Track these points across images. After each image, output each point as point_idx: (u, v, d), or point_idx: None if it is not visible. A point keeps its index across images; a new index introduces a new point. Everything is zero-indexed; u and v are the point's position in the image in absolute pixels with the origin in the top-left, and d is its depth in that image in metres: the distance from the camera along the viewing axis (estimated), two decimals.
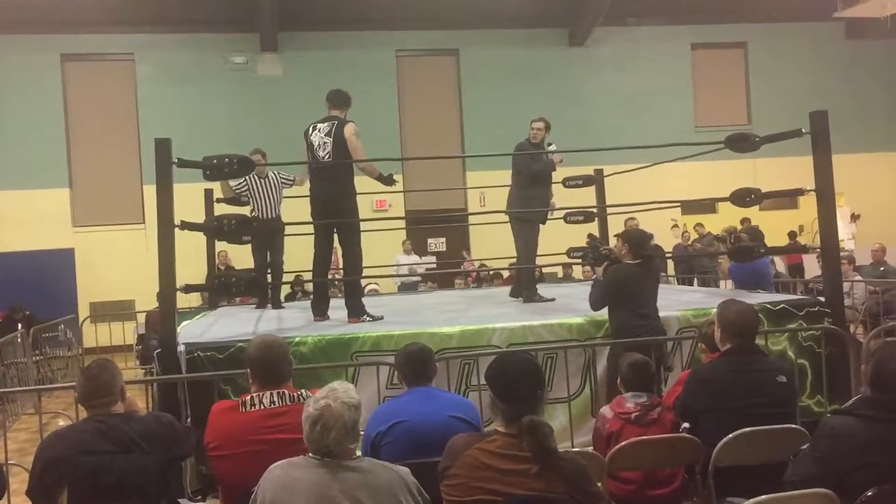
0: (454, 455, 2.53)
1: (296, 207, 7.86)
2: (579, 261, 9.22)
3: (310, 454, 2.53)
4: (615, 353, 5.03)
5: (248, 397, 3.16)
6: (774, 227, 16.26)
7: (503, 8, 15.91)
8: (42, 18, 14.52)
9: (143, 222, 14.51)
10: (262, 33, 15.27)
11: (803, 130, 5.73)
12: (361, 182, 10.20)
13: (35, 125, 14.75)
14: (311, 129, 6.26)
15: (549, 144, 7.29)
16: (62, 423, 6.74)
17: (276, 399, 3.13)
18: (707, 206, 14.91)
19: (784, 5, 16.73)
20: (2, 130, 14.61)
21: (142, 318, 11.82)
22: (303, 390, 3.18)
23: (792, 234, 15.72)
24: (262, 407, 3.12)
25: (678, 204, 13.73)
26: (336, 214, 6.09)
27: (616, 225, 10.05)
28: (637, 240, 5.38)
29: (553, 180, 7.52)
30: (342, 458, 2.50)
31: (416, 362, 3.58)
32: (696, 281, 12.48)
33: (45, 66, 14.91)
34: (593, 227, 9.55)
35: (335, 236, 6.30)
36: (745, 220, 14.62)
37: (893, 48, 17.56)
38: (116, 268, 14.33)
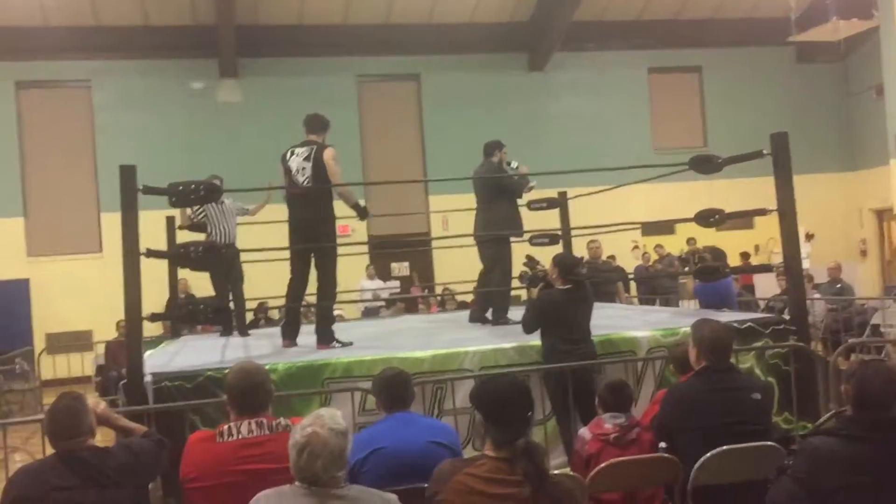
0: (442, 481, 2.51)
1: (257, 233, 7.82)
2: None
3: (297, 483, 2.49)
4: (547, 376, 5.04)
5: (226, 427, 3.09)
6: (730, 246, 16.58)
7: (464, 33, 16.07)
8: None
9: (101, 251, 14.27)
10: (221, 59, 15.19)
11: (764, 151, 5.84)
12: None
13: None
14: (288, 153, 6.16)
15: (509, 164, 7.31)
16: (18, 458, 6.56)
17: (254, 428, 3.06)
18: (665, 227, 15.11)
19: (738, 30, 17.15)
20: None
21: (101, 348, 11.60)
22: (281, 419, 3.12)
23: (744, 255, 15.97)
24: (240, 437, 3.05)
25: (639, 225, 13.91)
26: (314, 240, 6.02)
27: (580, 247, 10.15)
28: (567, 265, 5.38)
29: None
30: (330, 486, 2.46)
31: (394, 388, 3.55)
32: (657, 301, 12.61)
33: (0, 94, 14.64)
34: (558, 250, 9.67)
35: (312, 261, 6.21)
36: (690, 240, 14.83)
37: (841, 71, 18.09)
38: (73, 298, 14.03)
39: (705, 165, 6.22)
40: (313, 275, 6.24)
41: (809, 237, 17.19)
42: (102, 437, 3.46)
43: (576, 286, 5.30)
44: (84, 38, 14.47)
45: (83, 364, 11.93)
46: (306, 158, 6.02)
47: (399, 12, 15.64)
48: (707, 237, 16.96)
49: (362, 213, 6.38)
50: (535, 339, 5.62)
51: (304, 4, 15.20)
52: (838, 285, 11.24)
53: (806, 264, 15.75)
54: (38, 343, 13.46)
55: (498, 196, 7.13)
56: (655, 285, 13.35)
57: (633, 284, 13.57)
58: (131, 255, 4.98)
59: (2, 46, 14.26)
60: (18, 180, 14.75)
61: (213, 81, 15.49)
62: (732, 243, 16.43)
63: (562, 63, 16.75)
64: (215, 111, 15.43)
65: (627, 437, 3.73)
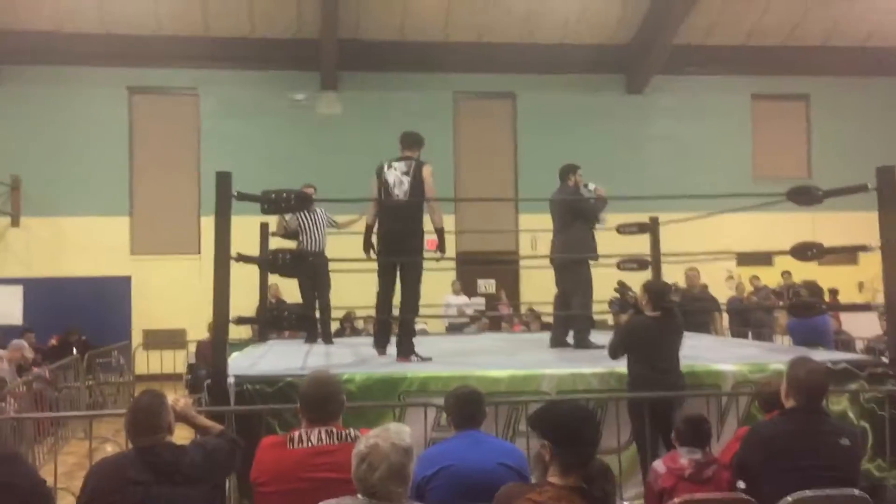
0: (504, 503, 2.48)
1: (347, 243, 7.94)
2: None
3: (358, 495, 2.49)
4: (630, 403, 4.96)
5: (297, 433, 3.14)
6: (832, 282, 15.91)
7: (561, 53, 16.00)
8: (111, 52, 15.01)
9: (199, 253, 14.74)
10: (322, 72, 15.57)
11: (869, 185, 5.59)
12: None
13: (100, 154, 15.18)
14: (385, 166, 6.27)
15: (586, 185, 7.23)
16: (110, 448, 6.83)
17: (324, 437, 3.10)
18: (763, 258, 14.61)
19: (850, 59, 16.52)
20: (69, 158, 15.04)
21: (193, 347, 11.98)
22: (351, 429, 3.15)
23: (833, 292, 15.01)
24: (311, 444, 3.09)
25: (734, 255, 13.51)
26: (402, 252, 6.14)
27: (672, 273, 9.92)
28: (658, 291, 5.27)
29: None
30: (390, 500, 2.46)
31: (466, 406, 3.53)
32: (750, 334, 12.19)
33: (113, 98, 15.39)
34: (647, 276, 9.47)
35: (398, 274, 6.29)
36: (785, 273, 14.26)
37: None
38: (171, 297, 14.55)
39: (804, 197, 5.99)
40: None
41: None
42: (183, 434, 3.56)
43: (666, 314, 5.18)
44: (193, 47, 15.08)
45: (175, 361, 12.30)
46: (405, 173, 6.15)
47: (497, 31, 15.69)
48: (807, 271, 16.31)
49: (442, 247, 6.34)
50: (615, 365, 5.51)
51: (405, 21, 15.43)
52: None
53: None
54: (136, 339, 14.02)
55: (574, 220, 7.08)
56: (749, 317, 12.91)
57: (725, 316, 13.18)
58: (222, 258, 5.11)
59: (117, 52, 15.00)
60: (126, 181, 15.45)
61: (314, 93, 15.88)
62: (834, 279, 15.79)
63: (661, 86, 16.48)
64: (315, 122, 15.81)
65: (704, 475, 3.60)
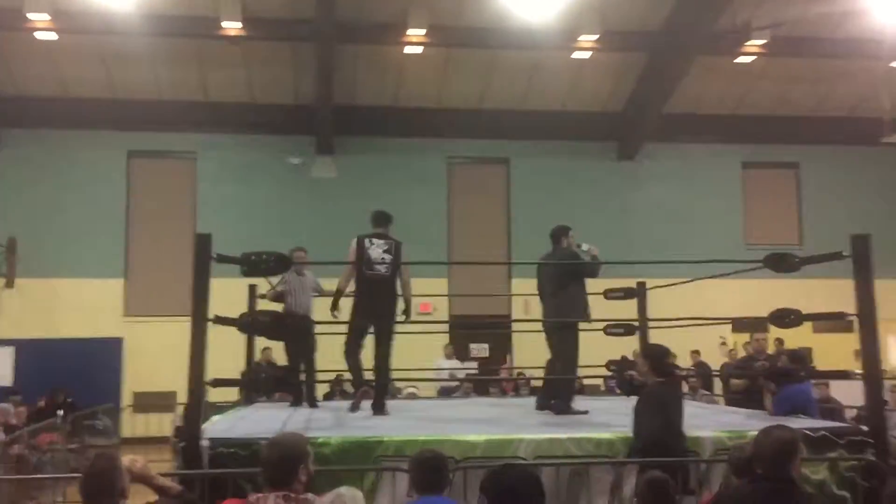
0: None
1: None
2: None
3: None
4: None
5: (254, 498, 3.12)
6: (829, 350, 15.85)
7: (555, 121, 16.28)
8: (112, 117, 15.31)
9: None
10: (318, 136, 15.81)
11: (844, 253, 5.64)
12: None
13: (98, 217, 15.35)
14: (367, 241, 6.92)
15: (579, 246, 7.27)
16: None
17: (280, 502, 3.07)
18: (759, 325, 14.56)
19: (838, 128, 16.78)
20: (66, 220, 15.19)
21: (181, 409, 11.89)
22: (309, 494, 3.13)
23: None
24: None
25: (729, 321, 13.48)
26: (382, 319, 6.85)
27: (660, 339, 9.89)
28: (657, 356, 5.19)
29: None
30: None
31: (426, 469, 3.51)
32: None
33: (112, 162, 15.62)
34: (634, 341, 9.46)
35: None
36: (778, 341, 14.23)
37: None
38: (162, 358, 14.44)
39: (782, 264, 6.04)
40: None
41: None
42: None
43: (671, 376, 5.12)
44: (193, 112, 15.40)
45: (161, 424, 12.21)
46: (387, 251, 6.88)
47: (492, 98, 16.00)
48: (803, 339, 16.30)
49: (408, 313, 7.05)
50: (593, 431, 5.49)
51: (399, 88, 15.74)
52: None
53: None
54: (127, 401, 13.92)
55: (570, 281, 7.09)
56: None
57: (717, 382, 13.11)
58: (199, 320, 5.14)
59: (118, 117, 15.29)
60: (122, 243, 15.57)
61: (310, 157, 16.10)
62: (830, 347, 15.76)
63: (652, 153, 16.71)
64: (310, 186, 15.99)
65: None
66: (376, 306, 6.79)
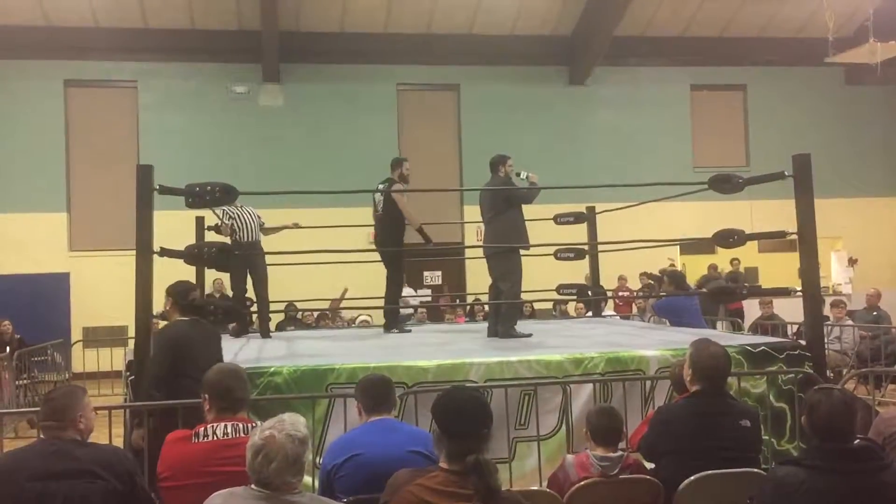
0: (394, 490, 2.51)
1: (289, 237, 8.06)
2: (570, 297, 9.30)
3: (251, 485, 2.51)
4: None
5: (202, 428, 3.13)
6: (775, 268, 16.31)
7: (504, 45, 16.08)
8: (47, 45, 14.71)
9: None
10: (264, 64, 15.40)
11: (786, 172, 5.74)
12: (354, 215, 10.34)
13: (36, 149, 14.85)
14: (378, 186, 7.89)
15: (518, 174, 7.31)
16: None
17: (229, 430, 3.09)
18: (706, 246, 14.88)
19: (785, 50, 16.88)
20: (3, 154, 14.71)
21: (132, 343, 11.80)
22: (257, 421, 3.14)
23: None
24: (216, 438, 3.08)
25: (675, 242, 13.74)
26: (384, 252, 7.98)
27: (609, 264, 10.06)
28: (182, 292, 5.01)
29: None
30: (283, 491, 2.47)
31: (372, 390, 3.55)
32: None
33: (49, 92, 15.04)
34: (583, 265, 9.61)
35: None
36: (734, 261, 14.69)
37: (890, 94, 17.65)
38: (111, 293, 14.26)
39: (725, 185, 6.12)
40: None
41: (853, 262, 16.82)
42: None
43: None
44: (132, 39, 14.83)
45: (113, 359, 12.12)
46: (381, 192, 7.80)
47: (440, 22, 15.71)
48: (752, 258, 16.70)
49: (426, 239, 7.92)
50: (543, 353, 5.60)
51: (345, 12, 15.35)
52: (875, 313, 10.96)
53: (848, 289, 15.58)
54: (76, 336, 13.76)
55: (507, 208, 7.14)
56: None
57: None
58: (144, 252, 5.07)
59: (53, 45, 14.69)
60: (63, 177, 15.13)
61: (256, 86, 15.71)
62: (776, 265, 16.22)
63: (602, 77, 16.64)
64: (256, 115, 15.64)
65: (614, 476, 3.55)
66: (378, 243, 8.04)
